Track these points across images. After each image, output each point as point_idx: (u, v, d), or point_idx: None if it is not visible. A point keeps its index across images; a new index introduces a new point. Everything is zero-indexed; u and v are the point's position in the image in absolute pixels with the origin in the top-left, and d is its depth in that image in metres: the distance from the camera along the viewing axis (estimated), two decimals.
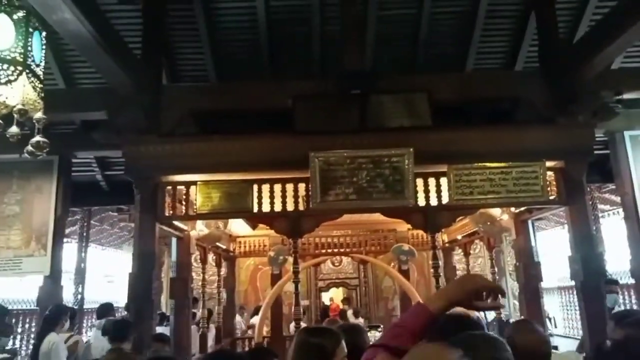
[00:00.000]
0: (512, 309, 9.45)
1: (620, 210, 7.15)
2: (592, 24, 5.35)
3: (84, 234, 9.25)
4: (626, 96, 5.29)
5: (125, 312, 5.83)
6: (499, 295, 1.36)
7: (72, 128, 6.21)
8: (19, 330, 7.98)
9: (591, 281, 4.61)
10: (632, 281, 6.24)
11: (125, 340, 3.84)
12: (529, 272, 5.58)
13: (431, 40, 5.85)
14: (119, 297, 11.44)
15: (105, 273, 16.76)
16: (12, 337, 4.47)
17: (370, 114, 4.84)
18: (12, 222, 5.76)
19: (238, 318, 9.17)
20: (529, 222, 5.78)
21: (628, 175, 5.58)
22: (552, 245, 11.27)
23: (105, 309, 5.68)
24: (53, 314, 4.60)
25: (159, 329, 5.26)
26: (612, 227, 10.10)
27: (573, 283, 4.89)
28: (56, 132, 5.85)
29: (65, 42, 5.22)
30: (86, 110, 5.42)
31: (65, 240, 6.29)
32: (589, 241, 4.76)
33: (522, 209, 5.51)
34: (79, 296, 8.83)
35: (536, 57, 5.28)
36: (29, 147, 2.38)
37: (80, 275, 8.96)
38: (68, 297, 8.00)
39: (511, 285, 9.43)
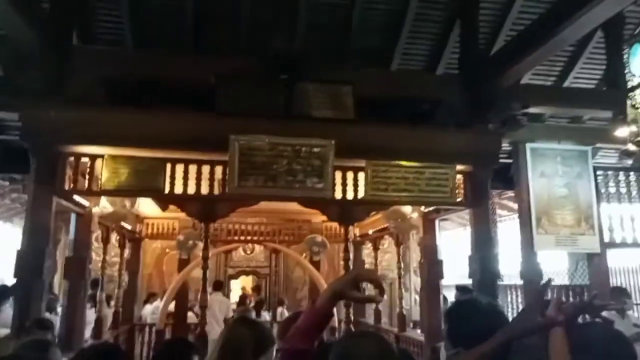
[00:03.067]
0: (412, 303, 9.93)
1: (516, 216, 7.73)
2: (509, 39, 5.70)
3: None
4: (531, 110, 5.70)
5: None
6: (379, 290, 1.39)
7: None
8: None
9: (487, 280, 4.92)
10: (520, 282, 6.77)
11: None
12: (432, 269, 5.86)
13: (360, 34, 5.90)
14: (6, 275, 10.44)
15: None
16: None
17: (295, 101, 4.77)
18: None
19: (148, 308, 8.64)
20: (436, 221, 6.06)
21: (526, 184, 6.01)
22: (454, 245, 11.98)
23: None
24: None
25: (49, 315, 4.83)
26: (506, 232, 10.94)
27: (470, 281, 5.20)
28: None
29: None
30: None
31: None
32: (487, 243, 5.07)
33: (431, 208, 5.76)
34: None
35: (457, 63, 5.52)
36: None
37: None
38: None
39: (414, 281, 9.89)
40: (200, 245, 7.26)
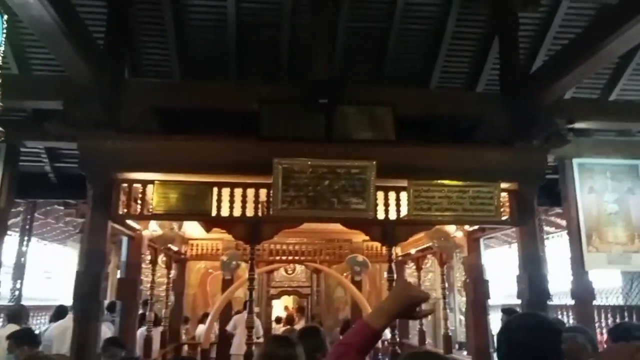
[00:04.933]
0: (457, 324, 9.70)
1: (564, 233, 7.50)
2: (551, 53, 5.62)
3: (27, 227, 8.77)
4: (577, 125, 5.58)
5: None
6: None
7: (22, 116, 5.90)
8: None
9: (536, 300, 4.77)
10: (571, 302, 6.54)
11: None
12: (478, 289, 5.74)
13: (398, 56, 5.97)
14: (58, 295, 10.90)
15: (46, 269, 15.93)
16: None
17: (335, 124, 4.86)
18: None
19: (202, 327, 8.56)
20: (481, 240, 5.97)
21: (574, 200, 5.86)
22: (499, 263, 11.68)
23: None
24: None
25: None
26: (554, 249, 10.60)
27: (518, 301, 5.06)
28: (5, 119, 5.52)
29: (21, 25, 4.96)
30: (40, 98, 5.16)
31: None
32: (535, 262, 4.94)
33: (476, 227, 5.68)
34: (17, 292, 8.35)
35: (497, 80, 5.48)
36: None
37: (19, 270, 8.48)
38: (5, 292, 7.56)
39: (459, 301, 9.68)
40: (243, 265, 7.41)
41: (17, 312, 5.61)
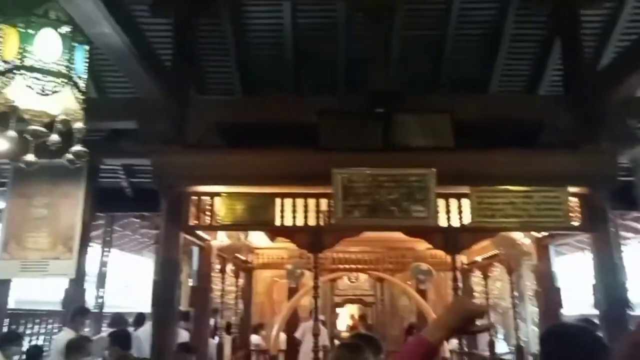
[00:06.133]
0: (530, 335, 9.27)
1: None
2: (618, 50, 5.34)
3: (107, 239, 9.43)
4: None
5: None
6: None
7: (100, 135, 6.40)
8: (43, 330, 8.17)
9: (615, 310, 4.52)
10: None
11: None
12: (550, 298, 5.50)
13: (455, 62, 5.91)
14: (136, 303, 11.56)
15: (124, 278, 16.97)
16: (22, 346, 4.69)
17: (393, 133, 4.88)
18: (40, 225, 5.93)
19: (255, 338, 8.59)
20: (551, 246, 5.71)
21: None
22: (572, 271, 11.07)
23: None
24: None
25: None
26: (633, 255, 9.90)
27: (596, 312, 4.78)
28: (86, 140, 6.01)
29: (97, 52, 5.39)
30: (116, 119, 5.56)
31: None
32: (612, 270, 4.68)
33: (544, 233, 5.46)
34: (100, 300, 8.98)
35: (559, 82, 5.28)
36: (69, 156, 2.49)
37: (101, 279, 9.12)
38: (90, 300, 8.16)
39: (530, 310, 9.26)
40: (307, 274, 7.54)
41: (120, 319, 6.11)
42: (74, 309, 5.12)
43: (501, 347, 7.86)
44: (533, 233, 5.59)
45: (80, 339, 4.16)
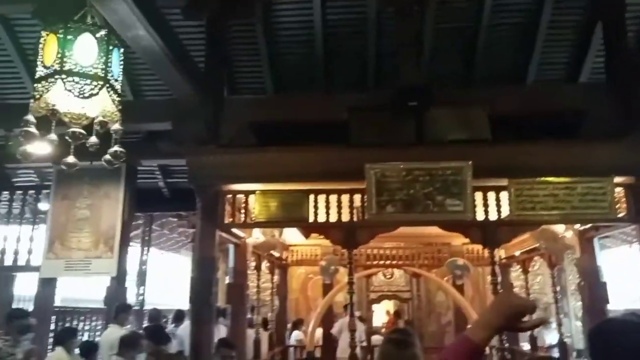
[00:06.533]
0: (574, 331, 8.98)
1: None
2: None
3: (146, 238, 9.68)
4: None
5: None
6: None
7: (137, 137, 6.56)
8: (87, 327, 8.48)
9: None
10: None
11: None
12: (594, 292, 5.30)
13: (490, 53, 5.74)
14: (175, 301, 11.84)
15: (163, 276, 17.37)
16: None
17: (426, 127, 4.81)
18: (83, 226, 6.14)
19: (295, 334, 8.54)
20: (595, 239, 5.51)
21: None
22: (618, 265, 10.65)
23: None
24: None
25: None
26: None
27: None
28: (124, 141, 6.17)
29: (133, 56, 5.52)
30: (152, 121, 5.72)
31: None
32: None
33: (588, 226, 5.27)
34: (141, 297, 9.23)
35: (602, 69, 5.07)
36: (107, 157, 2.56)
37: (141, 278, 9.38)
38: (131, 298, 8.40)
39: (573, 306, 8.97)
40: (342, 270, 7.53)
41: (156, 314, 6.27)
42: (117, 306, 5.30)
43: (552, 338, 7.62)
44: (576, 226, 5.41)
45: (135, 335, 4.29)
